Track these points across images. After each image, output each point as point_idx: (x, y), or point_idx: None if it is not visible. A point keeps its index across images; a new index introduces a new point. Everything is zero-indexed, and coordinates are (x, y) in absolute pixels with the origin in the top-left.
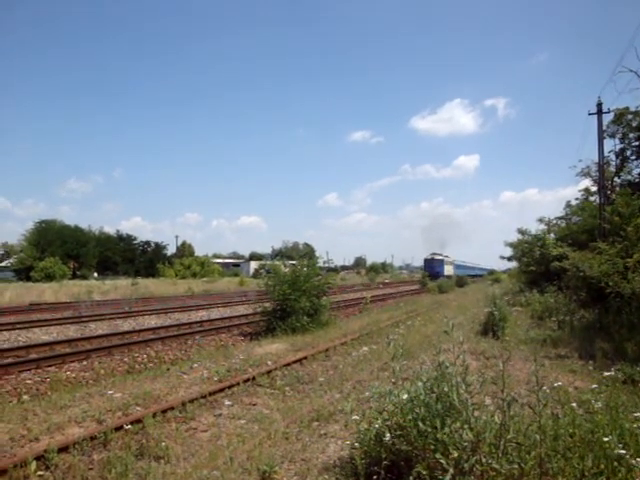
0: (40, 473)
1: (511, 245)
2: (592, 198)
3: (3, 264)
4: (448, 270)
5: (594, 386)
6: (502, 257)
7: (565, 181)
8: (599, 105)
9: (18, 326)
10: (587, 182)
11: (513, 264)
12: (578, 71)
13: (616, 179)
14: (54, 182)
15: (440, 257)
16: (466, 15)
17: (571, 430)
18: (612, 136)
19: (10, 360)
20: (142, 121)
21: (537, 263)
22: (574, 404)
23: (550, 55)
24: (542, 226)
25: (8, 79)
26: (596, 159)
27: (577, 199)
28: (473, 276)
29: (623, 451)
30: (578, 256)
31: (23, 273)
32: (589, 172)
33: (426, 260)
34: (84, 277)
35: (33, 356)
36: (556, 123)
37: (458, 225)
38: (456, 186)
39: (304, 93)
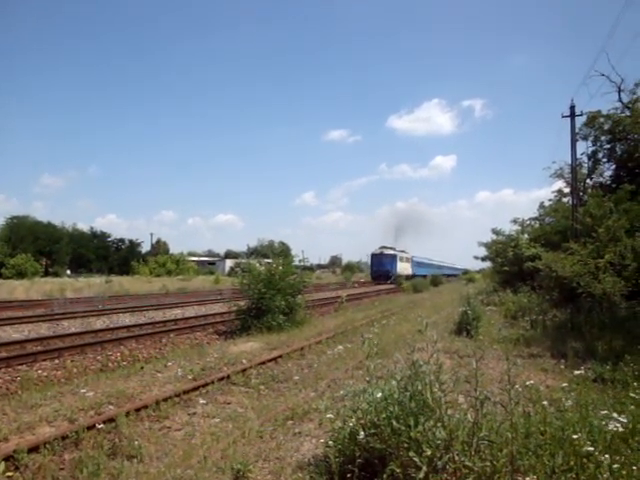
0: (9, 474)
1: (485, 245)
2: (565, 199)
3: None
4: (403, 268)
5: (565, 385)
6: (476, 257)
7: (540, 182)
8: (572, 108)
9: None
10: (560, 183)
11: (487, 264)
12: (554, 74)
13: (588, 181)
14: (27, 177)
15: (391, 252)
16: (446, 15)
17: (542, 428)
18: (585, 138)
19: None
20: (118, 118)
21: (511, 263)
22: (545, 402)
23: (527, 57)
24: (516, 227)
25: None
26: (569, 161)
27: (550, 200)
28: (443, 276)
29: (592, 448)
30: (551, 257)
31: None
32: (562, 174)
33: (373, 256)
34: (57, 274)
35: (3, 354)
36: (532, 125)
37: (427, 220)
38: (432, 186)
39: (282, 91)
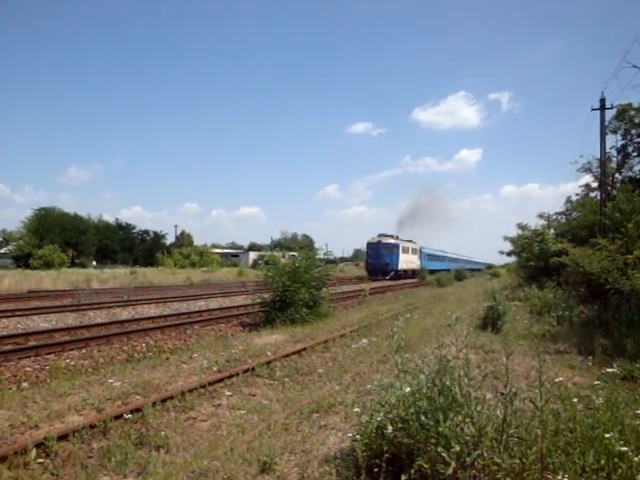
0: (40, 460)
1: (510, 240)
2: (593, 194)
3: (2, 251)
4: (409, 261)
5: (595, 382)
6: (501, 252)
7: (567, 176)
8: (602, 101)
9: (17, 313)
10: (588, 178)
11: (512, 259)
12: (583, 66)
13: (617, 175)
14: (54, 169)
15: (392, 241)
16: (473, 7)
17: (572, 426)
18: (614, 132)
19: (9, 347)
20: (144, 110)
21: (536, 258)
22: (574, 400)
23: (557, 49)
24: (542, 221)
25: (8, 68)
26: (598, 155)
27: (577, 195)
28: (465, 271)
29: (625, 448)
30: (578, 252)
31: (22, 260)
32: (590, 168)
33: (370, 245)
34: (82, 265)
35: (32, 343)
36: (559, 118)
37: (445, 209)
38: (457, 179)
39: (306, 85)
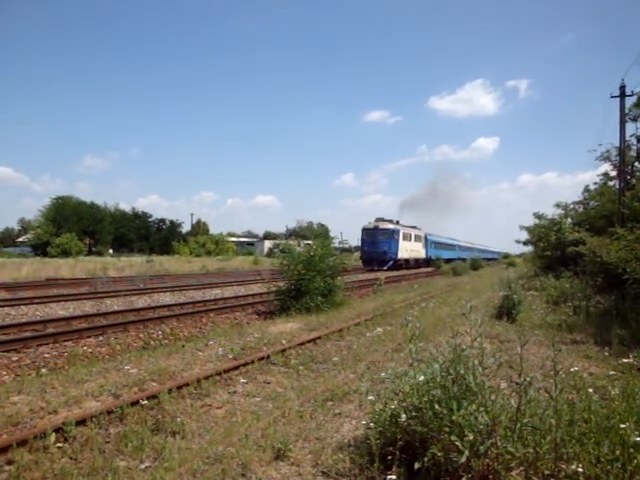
0: (59, 444)
1: (527, 229)
2: (611, 183)
3: (21, 239)
4: (411, 250)
5: (611, 373)
6: (517, 241)
7: (585, 165)
8: (622, 88)
9: (35, 301)
10: (607, 166)
11: (528, 248)
12: (603, 53)
13: (637, 164)
14: (71, 158)
15: (390, 226)
16: None
17: (587, 416)
18: (634, 120)
19: (29, 334)
20: (160, 99)
21: (553, 248)
22: (590, 390)
23: (575, 36)
24: (559, 211)
25: (26, 59)
26: (617, 143)
27: (596, 184)
28: (481, 260)
29: None
30: (596, 241)
31: (40, 249)
32: (609, 156)
33: (365, 231)
34: (99, 253)
35: (50, 330)
36: (578, 106)
37: (456, 194)
38: (474, 168)
39: (321, 73)
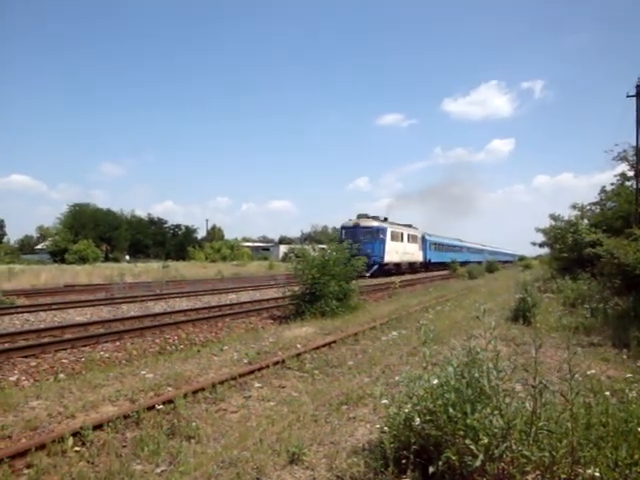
0: (77, 448)
1: (543, 231)
2: (628, 183)
3: (39, 247)
4: (402, 252)
5: (629, 375)
6: (533, 243)
7: (601, 165)
8: (638, 87)
9: (54, 307)
10: (623, 166)
11: (545, 250)
12: (618, 52)
13: None
14: (88, 166)
15: (375, 224)
16: None
17: (604, 419)
18: None
19: (47, 340)
20: (175, 106)
21: (570, 249)
22: (607, 393)
23: (590, 36)
24: (575, 212)
25: (40, 67)
26: (633, 143)
27: (612, 184)
28: (496, 263)
29: None
30: (613, 242)
31: (58, 255)
32: (626, 156)
33: (344, 230)
34: (116, 260)
35: (68, 336)
36: (594, 106)
37: (466, 194)
38: (489, 170)
39: (335, 76)
